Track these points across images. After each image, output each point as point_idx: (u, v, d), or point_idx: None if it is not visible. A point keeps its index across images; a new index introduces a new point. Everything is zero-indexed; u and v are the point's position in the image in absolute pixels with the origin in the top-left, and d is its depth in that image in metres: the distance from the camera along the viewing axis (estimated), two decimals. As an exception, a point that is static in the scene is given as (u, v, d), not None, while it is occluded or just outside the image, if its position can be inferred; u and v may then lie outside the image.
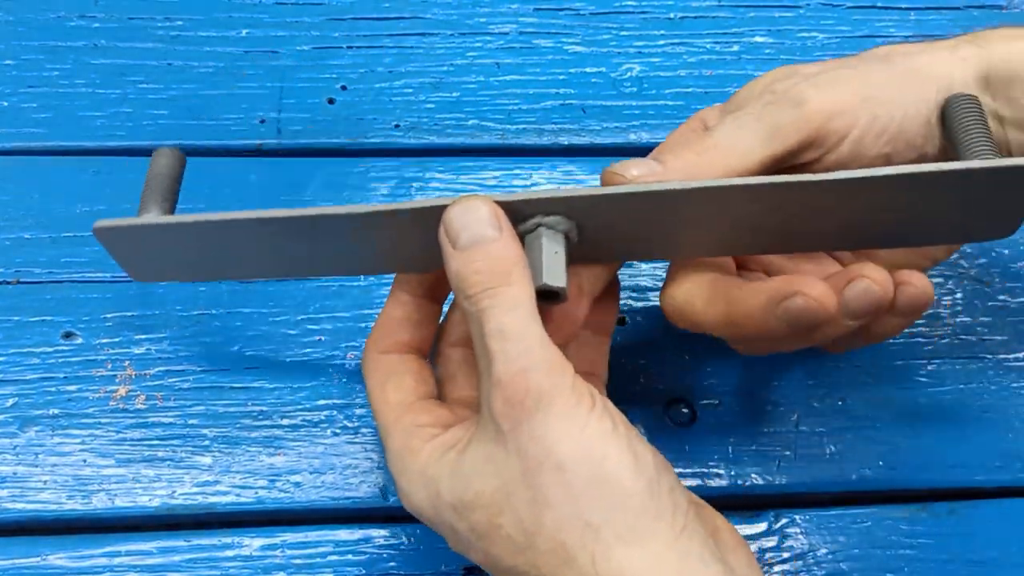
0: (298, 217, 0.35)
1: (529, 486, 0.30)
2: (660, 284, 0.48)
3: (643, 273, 0.49)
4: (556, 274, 0.34)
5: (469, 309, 0.32)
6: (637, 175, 0.35)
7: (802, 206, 0.34)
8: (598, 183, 0.39)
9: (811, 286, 0.33)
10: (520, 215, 0.34)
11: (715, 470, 0.44)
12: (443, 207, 0.33)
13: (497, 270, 0.32)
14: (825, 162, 0.36)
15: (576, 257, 0.36)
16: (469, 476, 0.32)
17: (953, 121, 0.35)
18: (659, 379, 0.46)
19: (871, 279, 0.33)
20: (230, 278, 0.41)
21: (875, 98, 0.36)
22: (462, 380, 0.38)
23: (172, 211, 0.38)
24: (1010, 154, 0.38)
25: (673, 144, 0.38)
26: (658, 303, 0.48)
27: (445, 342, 0.39)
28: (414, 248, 0.36)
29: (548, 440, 0.30)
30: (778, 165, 0.36)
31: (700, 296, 0.36)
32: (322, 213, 0.35)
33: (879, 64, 0.37)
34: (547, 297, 0.33)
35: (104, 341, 0.45)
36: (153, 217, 0.37)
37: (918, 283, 0.34)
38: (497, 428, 0.31)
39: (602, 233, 0.36)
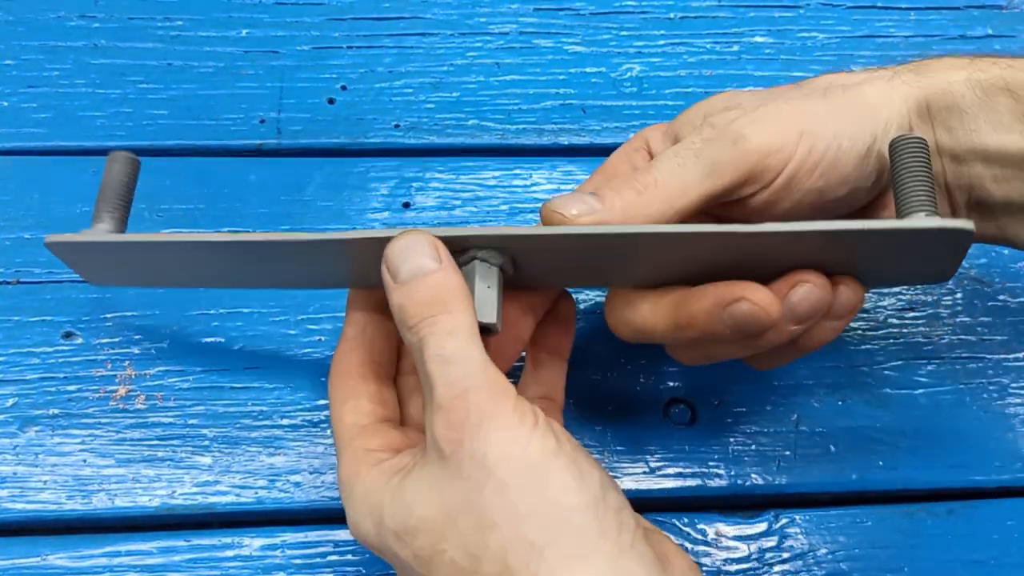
0: (240, 243, 0.36)
1: (473, 508, 0.30)
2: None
3: (643, 273, 0.49)
4: (487, 311, 0.34)
5: (411, 340, 0.32)
6: (576, 215, 0.35)
7: (735, 250, 0.35)
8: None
9: (753, 291, 0.34)
10: (456, 248, 0.34)
11: (715, 470, 0.44)
12: (385, 239, 0.34)
13: (437, 299, 0.32)
14: (760, 196, 0.37)
15: (516, 283, 0.37)
16: (411, 502, 0.32)
17: (895, 163, 0.35)
18: (659, 379, 0.46)
19: (812, 282, 0.34)
20: (180, 286, 0.41)
21: (811, 132, 0.36)
22: (418, 401, 0.38)
23: (124, 219, 0.39)
24: (946, 184, 0.38)
25: (613, 176, 0.38)
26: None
27: (403, 367, 0.39)
28: (363, 267, 0.36)
29: (490, 460, 0.30)
30: (717, 200, 0.37)
31: (646, 301, 0.37)
32: (264, 239, 0.35)
33: (818, 97, 0.37)
34: (480, 331, 0.34)
35: (104, 341, 0.45)
36: (101, 233, 0.38)
37: (850, 284, 0.35)
38: (440, 452, 0.31)
39: (540, 265, 0.36)
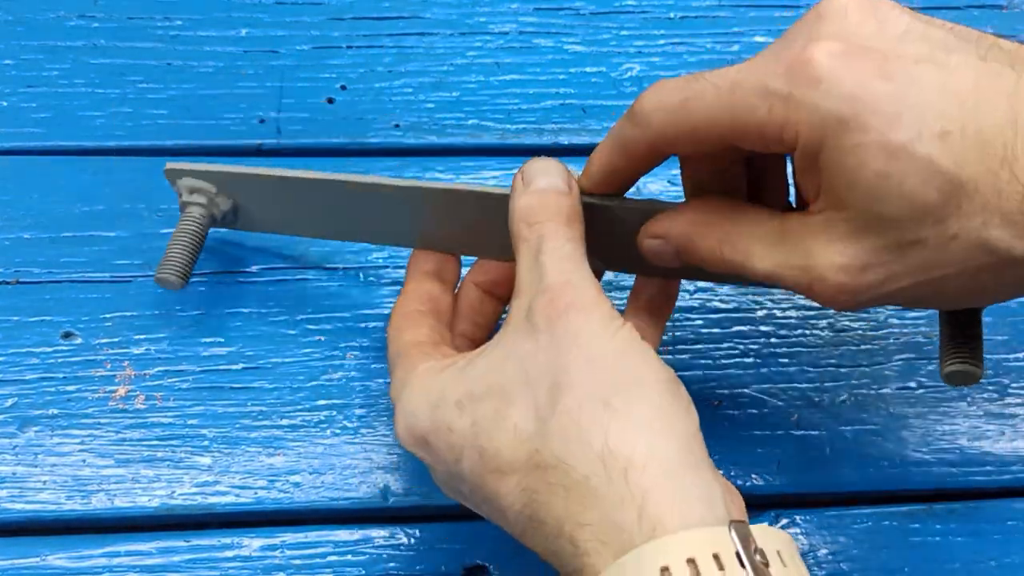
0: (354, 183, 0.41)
1: (552, 373, 0.31)
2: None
3: (643, 273, 0.49)
4: None
5: (526, 235, 0.34)
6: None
7: None
8: None
9: None
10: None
11: (715, 470, 0.44)
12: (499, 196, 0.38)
13: (563, 212, 0.35)
14: None
15: None
16: (482, 373, 0.33)
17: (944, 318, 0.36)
18: (659, 379, 0.46)
19: None
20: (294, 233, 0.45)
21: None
22: (472, 318, 0.41)
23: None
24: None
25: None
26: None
27: (470, 279, 0.41)
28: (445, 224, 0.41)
29: (583, 334, 0.31)
30: None
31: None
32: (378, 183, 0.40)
33: (941, 254, 0.30)
34: None
35: (103, 341, 0.45)
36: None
37: None
38: (531, 327, 0.32)
39: None
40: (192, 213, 0.43)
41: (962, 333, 0.35)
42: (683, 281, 0.48)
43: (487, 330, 0.42)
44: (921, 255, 0.29)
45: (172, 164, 0.43)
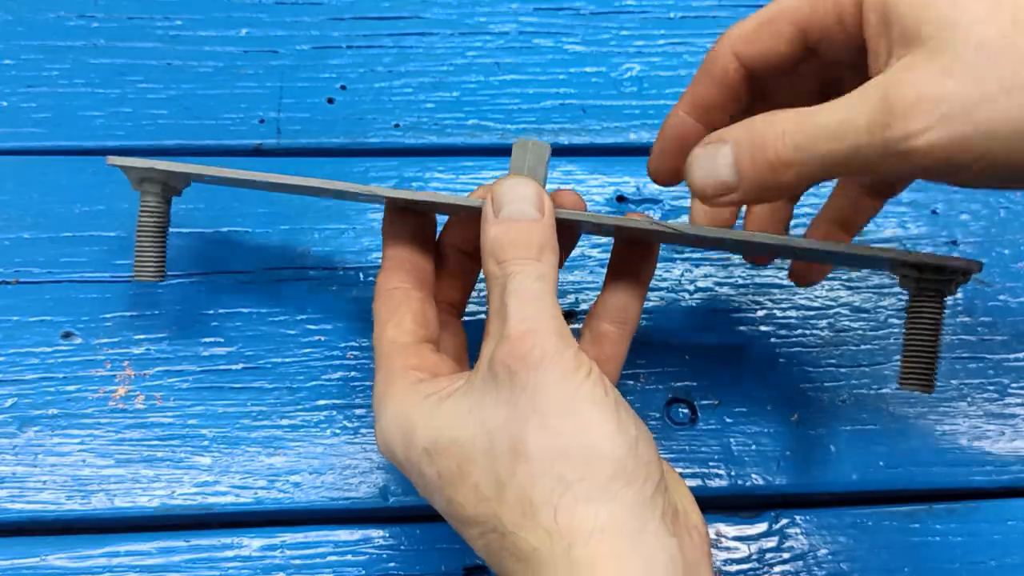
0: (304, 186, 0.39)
1: (511, 437, 0.31)
2: (658, 284, 0.48)
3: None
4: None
5: (496, 273, 0.34)
6: (712, 195, 0.35)
7: None
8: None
9: None
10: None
11: (715, 470, 0.44)
12: (471, 206, 0.36)
13: (532, 245, 0.34)
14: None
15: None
16: (447, 423, 0.33)
17: (911, 324, 0.37)
18: (659, 379, 0.46)
19: None
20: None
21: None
22: (449, 281, 0.40)
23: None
24: None
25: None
26: (657, 303, 0.48)
27: (444, 240, 0.41)
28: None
29: (539, 396, 0.32)
30: None
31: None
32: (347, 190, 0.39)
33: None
34: None
35: (103, 341, 0.45)
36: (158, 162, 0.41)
37: None
38: (494, 379, 0.32)
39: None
40: (149, 203, 0.42)
41: (922, 353, 0.36)
42: (683, 281, 0.48)
43: (468, 291, 0.42)
44: (1007, 56, 0.29)
45: (114, 159, 0.41)
